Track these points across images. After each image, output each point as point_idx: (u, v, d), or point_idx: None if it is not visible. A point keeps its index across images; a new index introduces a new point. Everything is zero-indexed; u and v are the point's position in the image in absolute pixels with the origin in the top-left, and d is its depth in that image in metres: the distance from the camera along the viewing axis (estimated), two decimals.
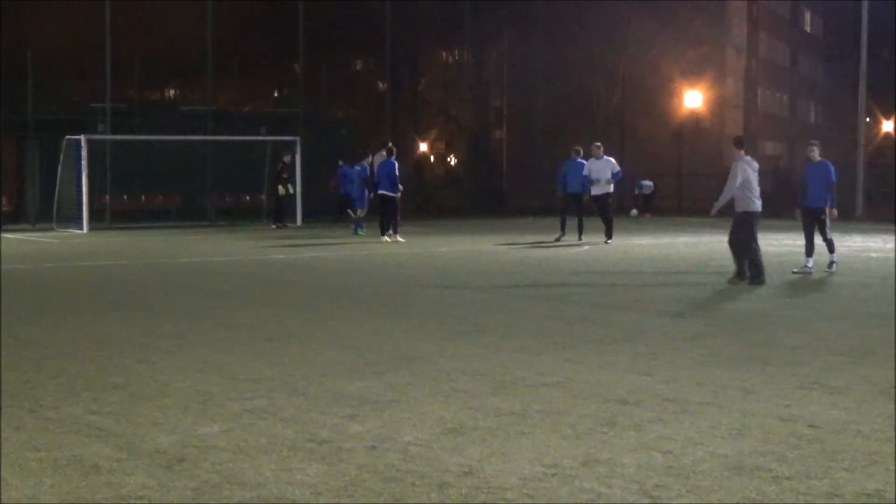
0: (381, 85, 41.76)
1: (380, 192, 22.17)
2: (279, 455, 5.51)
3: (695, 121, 45.00)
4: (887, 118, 52.04)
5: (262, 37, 39.55)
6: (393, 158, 22.11)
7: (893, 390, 7.12)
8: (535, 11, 41.20)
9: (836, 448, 5.66)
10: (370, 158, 25.47)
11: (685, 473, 5.19)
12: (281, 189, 27.86)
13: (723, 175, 36.24)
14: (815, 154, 15.37)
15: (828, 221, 15.18)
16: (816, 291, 13.41)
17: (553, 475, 5.16)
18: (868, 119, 42.89)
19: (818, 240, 15.26)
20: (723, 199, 14.33)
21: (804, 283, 14.33)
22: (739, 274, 13.96)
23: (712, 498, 4.83)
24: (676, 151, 40.75)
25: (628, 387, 7.23)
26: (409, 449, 5.63)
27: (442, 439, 5.84)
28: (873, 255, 19.30)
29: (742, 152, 14.09)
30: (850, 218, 33.27)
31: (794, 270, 15.38)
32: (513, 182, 43.49)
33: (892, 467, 5.30)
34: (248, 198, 32.08)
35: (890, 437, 5.90)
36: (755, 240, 13.91)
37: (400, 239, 21.79)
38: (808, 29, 73.42)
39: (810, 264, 15.20)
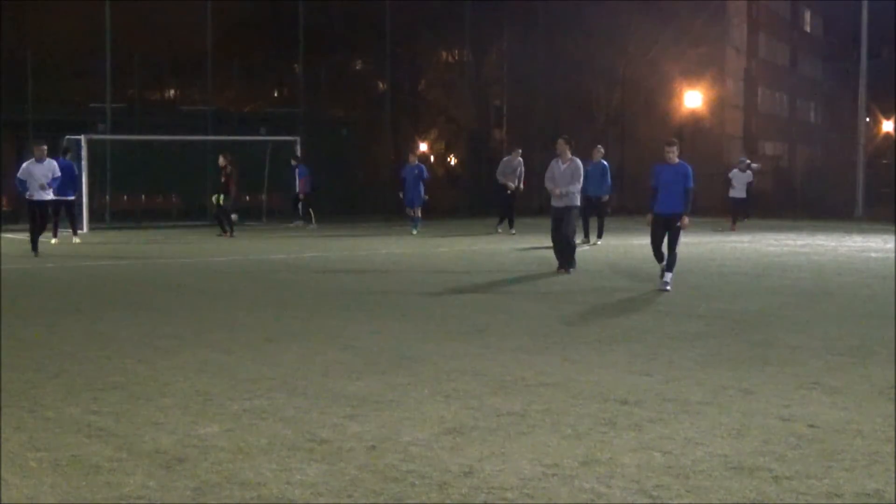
0: (381, 85, 41.72)
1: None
2: (279, 455, 5.50)
3: (695, 121, 44.98)
4: (887, 118, 52.02)
5: (262, 37, 39.52)
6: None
7: (893, 390, 7.12)
8: (535, 11, 41.19)
9: (836, 448, 5.66)
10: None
11: (685, 473, 5.19)
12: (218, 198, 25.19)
13: (722, 175, 36.16)
14: (674, 156, 13.58)
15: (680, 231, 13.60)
16: (816, 292, 13.40)
17: (553, 475, 5.16)
18: (868, 119, 42.92)
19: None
20: (574, 189, 15.82)
21: (804, 284, 14.33)
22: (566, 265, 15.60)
23: (712, 498, 4.83)
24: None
25: (628, 387, 7.22)
26: (409, 449, 5.63)
27: (442, 439, 5.83)
28: (873, 255, 19.30)
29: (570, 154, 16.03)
30: (850, 218, 33.29)
31: (660, 287, 13.30)
32: None
33: (892, 467, 5.30)
34: (247, 198, 32.07)
35: (890, 437, 5.90)
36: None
37: (77, 240, 22.21)
38: (807, 29, 73.36)
39: (668, 278, 13.39)
